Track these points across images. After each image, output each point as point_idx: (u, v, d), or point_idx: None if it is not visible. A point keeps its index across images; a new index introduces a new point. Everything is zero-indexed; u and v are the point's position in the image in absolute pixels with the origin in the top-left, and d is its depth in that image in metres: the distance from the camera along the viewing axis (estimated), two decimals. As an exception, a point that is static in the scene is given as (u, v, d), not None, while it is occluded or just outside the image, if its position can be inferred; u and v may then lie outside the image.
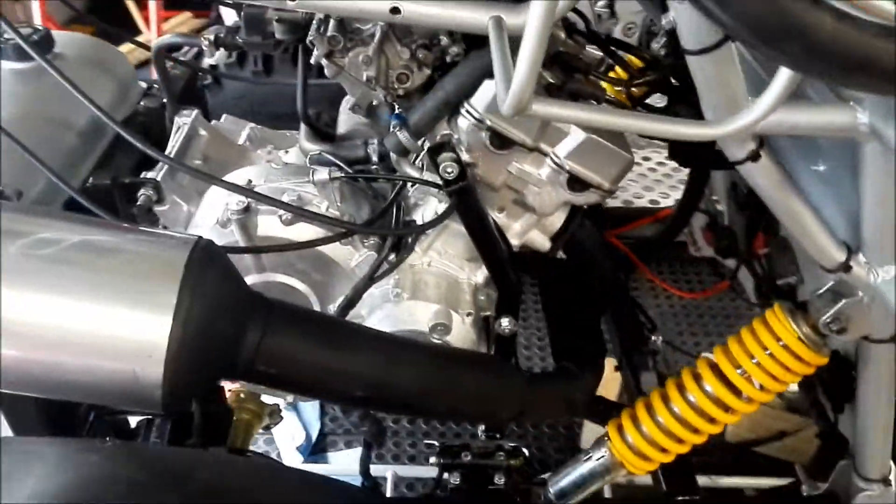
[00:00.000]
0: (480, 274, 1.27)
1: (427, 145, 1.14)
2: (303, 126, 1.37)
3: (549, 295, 1.44)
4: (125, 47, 2.71)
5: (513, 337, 1.26)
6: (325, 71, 1.14)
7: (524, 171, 1.14)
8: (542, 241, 1.25)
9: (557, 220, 1.23)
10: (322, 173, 1.16)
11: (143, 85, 1.60)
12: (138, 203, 1.26)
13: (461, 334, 1.21)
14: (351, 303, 1.18)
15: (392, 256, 1.19)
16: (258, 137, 1.54)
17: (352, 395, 0.95)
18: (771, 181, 0.93)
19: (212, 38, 1.26)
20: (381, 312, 1.20)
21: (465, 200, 1.12)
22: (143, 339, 0.79)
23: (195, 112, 1.44)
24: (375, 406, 1.05)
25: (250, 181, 1.20)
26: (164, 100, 1.45)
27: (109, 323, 0.79)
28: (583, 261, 1.34)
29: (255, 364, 0.86)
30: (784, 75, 0.70)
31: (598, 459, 1.21)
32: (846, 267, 0.96)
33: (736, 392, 1.09)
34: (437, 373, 1.03)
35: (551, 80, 1.15)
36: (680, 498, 1.22)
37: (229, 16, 2.78)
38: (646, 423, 1.16)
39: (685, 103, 1.16)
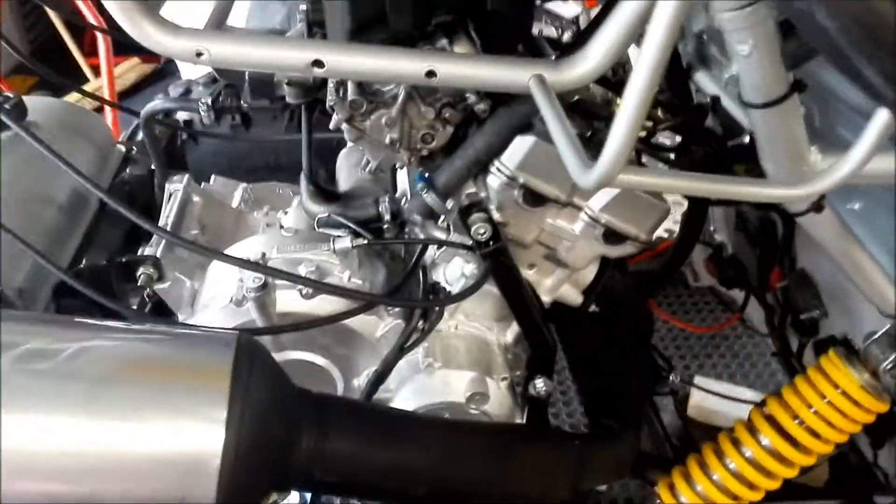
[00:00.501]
0: (510, 334, 1.21)
1: (452, 205, 1.08)
2: (305, 185, 1.29)
3: (575, 348, 1.38)
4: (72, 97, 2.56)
5: (547, 398, 1.20)
6: (346, 136, 1.07)
7: (558, 226, 1.09)
8: (574, 296, 1.20)
9: (590, 273, 1.18)
10: (344, 242, 1.09)
11: (122, 149, 1.50)
12: (138, 283, 1.16)
13: (498, 400, 1.14)
14: (381, 377, 1.10)
15: (420, 323, 1.12)
16: (252, 198, 1.45)
17: (414, 494, 0.87)
18: (834, 231, 0.90)
19: (209, 101, 1.17)
20: (413, 385, 1.13)
21: (500, 261, 1.06)
22: (192, 457, 0.70)
23: (186, 177, 1.35)
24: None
25: (263, 254, 1.11)
26: (152, 166, 1.35)
27: (153, 443, 0.70)
28: (615, 310, 1.29)
29: (312, 472, 0.78)
30: (882, 118, 0.66)
31: (649, 523, 1.15)
32: (909, 312, 0.93)
33: (794, 444, 1.05)
34: (498, 457, 0.95)
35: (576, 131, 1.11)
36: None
37: (186, 65, 2.66)
38: (701, 482, 1.11)
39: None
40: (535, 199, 1.06)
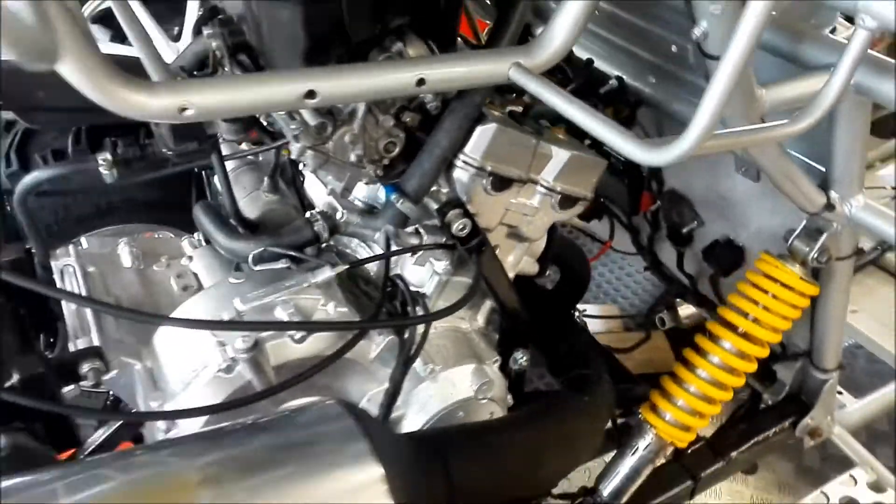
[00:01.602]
0: (481, 317, 1.23)
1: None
2: (217, 226, 1.17)
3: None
4: None
5: (524, 369, 1.24)
6: (307, 164, 0.99)
7: (521, 204, 1.12)
8: (531, 267, 1.25)
9: (542, 242, 1.23)
10: (325, 273, 1.02)
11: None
12: (82, 381, 0.99)
13: (498, 383, 1.17)
14: (393, 397, 1.06)
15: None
16: (142, 252, 1.28)
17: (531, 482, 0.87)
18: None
19: (108, 157, 1.01)
20: (422, 395, 1.11)
21: (484, 253, 1.07)
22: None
23: (71, 247, 1.16)
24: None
25: (238, 311, 1.00)
26: (29, 246, 1.14)
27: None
28: (560, 264, 1.36)
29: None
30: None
31: (645, 448, 1.26)
32: (830, 206, 1.11)
33: (751, 340, 1.21)
34: (569, 430, 0.99)
35: (515, 108, 1.14)
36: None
37: None
38: (680, 395, 1.24)
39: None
40: (501, 183, 1.07)
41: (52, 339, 1.18)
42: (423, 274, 1.13)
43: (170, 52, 3.00)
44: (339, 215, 1.15)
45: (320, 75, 0.80)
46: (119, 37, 2.41)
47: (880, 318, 1.51)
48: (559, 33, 0.90)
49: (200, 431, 0.73)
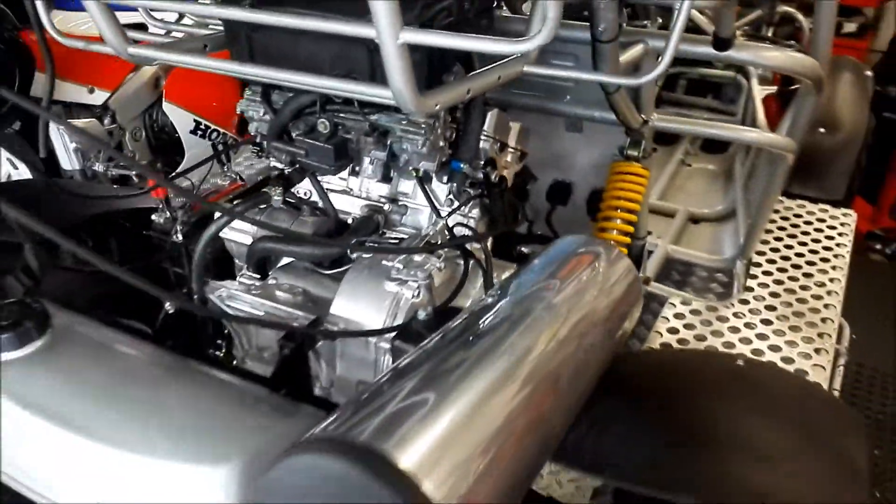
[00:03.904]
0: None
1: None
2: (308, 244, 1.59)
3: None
4: None
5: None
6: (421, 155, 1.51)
7: (503, 160, 1.77)
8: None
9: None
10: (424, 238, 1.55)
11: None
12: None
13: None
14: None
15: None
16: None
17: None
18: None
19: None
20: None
21: (507, 190, 1.70)
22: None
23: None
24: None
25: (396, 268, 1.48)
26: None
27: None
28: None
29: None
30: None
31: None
32: (646, 122, 1.97)
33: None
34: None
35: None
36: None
37: None
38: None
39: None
40: (501, 147, 1.71)
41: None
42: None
43: None
44: (387, 207, 1.67)
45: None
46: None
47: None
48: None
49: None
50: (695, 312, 2.47)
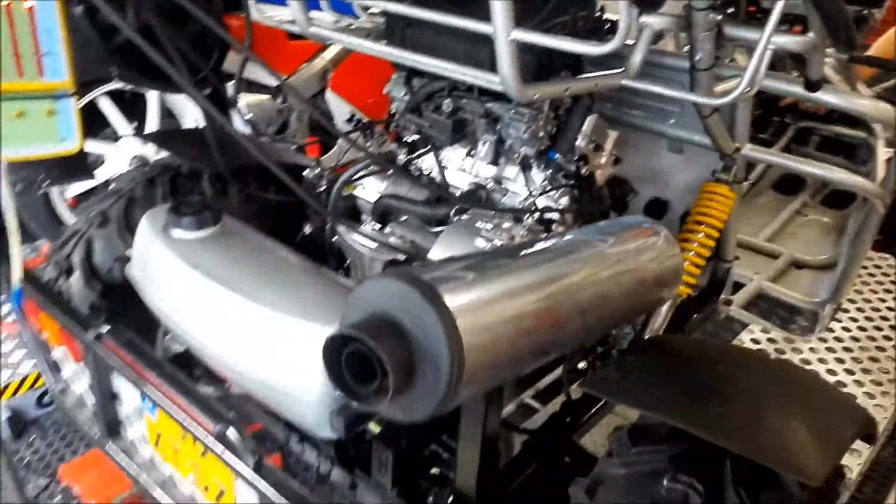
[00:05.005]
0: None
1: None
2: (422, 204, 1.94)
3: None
4: None
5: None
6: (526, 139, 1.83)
7: (604, 162, 2.05)
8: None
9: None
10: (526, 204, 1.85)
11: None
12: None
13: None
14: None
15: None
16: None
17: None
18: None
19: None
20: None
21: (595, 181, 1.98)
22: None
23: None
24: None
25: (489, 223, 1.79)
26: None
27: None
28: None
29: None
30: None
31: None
32: (737, 149, 2.17)
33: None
34: None
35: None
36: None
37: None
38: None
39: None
40: (595, 148, 1.99)
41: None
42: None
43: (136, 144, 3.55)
44: (490, 186, 1.99)
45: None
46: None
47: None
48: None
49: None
50: (771, 341, 2.61)
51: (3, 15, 1.20)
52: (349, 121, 4.04)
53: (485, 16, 1.43)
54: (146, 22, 1.85)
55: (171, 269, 1.47)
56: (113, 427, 1.80)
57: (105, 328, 1.64)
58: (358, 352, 0.96)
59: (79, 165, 1.45)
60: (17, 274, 1.50)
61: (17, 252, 1.48)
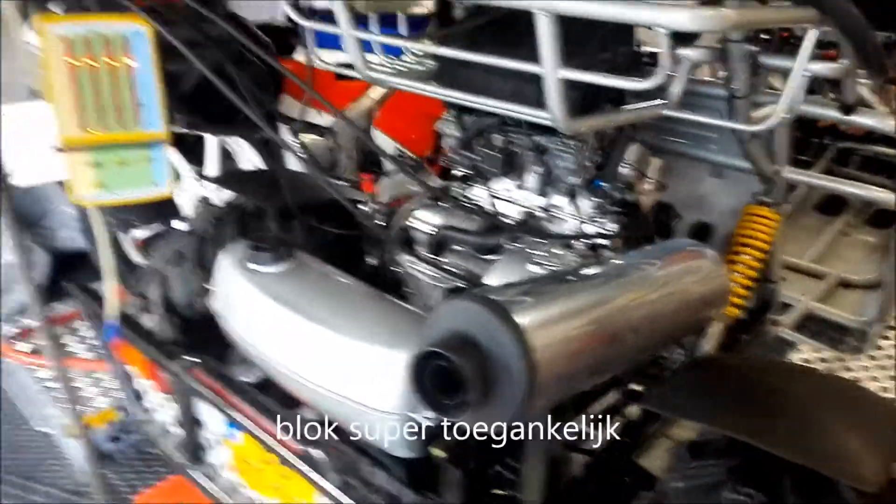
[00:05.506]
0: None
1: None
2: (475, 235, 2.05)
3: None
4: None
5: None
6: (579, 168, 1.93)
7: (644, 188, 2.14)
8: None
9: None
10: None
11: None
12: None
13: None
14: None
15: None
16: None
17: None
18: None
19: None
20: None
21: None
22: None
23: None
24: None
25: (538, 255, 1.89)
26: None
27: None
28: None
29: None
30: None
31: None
32: (777, 172, 2.24)
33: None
34: None
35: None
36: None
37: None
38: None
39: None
40: (639, 176, 2.08)
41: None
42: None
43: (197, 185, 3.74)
44: (539, 214, 2.08)
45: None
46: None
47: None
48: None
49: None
50: (823, 360, 2.64)
51: (107, 72, 1.35)
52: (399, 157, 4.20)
53: (531, 56, 1.54)
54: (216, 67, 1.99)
55: (255, 302, 1.60)
56: (196, 453, 1.93)
57: (195, 359, 1.78)
58: (438, 368, 1.06)
59: (166, 208, 1.59)
60: (112, 310, 1.64)
61: (112, 290, 1.62)
